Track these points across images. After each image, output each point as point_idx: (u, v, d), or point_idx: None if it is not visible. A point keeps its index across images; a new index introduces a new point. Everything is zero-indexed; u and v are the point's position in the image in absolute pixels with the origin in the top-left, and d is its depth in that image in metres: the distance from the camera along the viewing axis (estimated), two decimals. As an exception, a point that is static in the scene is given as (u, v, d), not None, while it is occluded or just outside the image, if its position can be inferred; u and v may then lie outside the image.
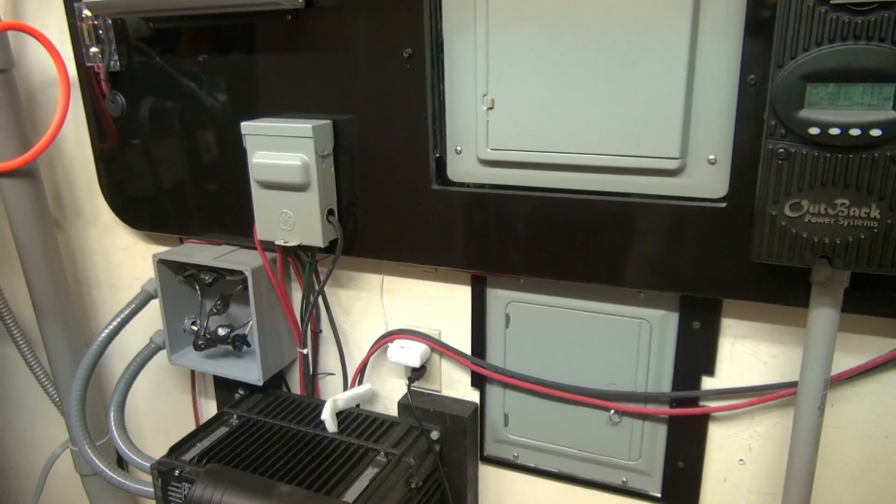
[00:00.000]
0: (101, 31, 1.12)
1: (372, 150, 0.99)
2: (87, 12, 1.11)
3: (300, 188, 0.99)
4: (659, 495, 1.01)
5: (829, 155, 0.68)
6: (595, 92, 0.84)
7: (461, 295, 1.06)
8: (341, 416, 1.10)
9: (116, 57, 1.13)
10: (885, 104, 0.65)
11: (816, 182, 0.69)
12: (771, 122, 0.69)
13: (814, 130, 0.67)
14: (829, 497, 0.92)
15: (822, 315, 0.77)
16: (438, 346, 1.09)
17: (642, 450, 1.00)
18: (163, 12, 1.04)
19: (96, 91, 1.17)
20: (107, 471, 1.23)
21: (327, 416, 1.06)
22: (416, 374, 1.09)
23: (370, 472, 0.98)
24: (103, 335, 1.21)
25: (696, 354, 0.93)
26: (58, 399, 1.42)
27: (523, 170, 0.93)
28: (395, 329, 1.12)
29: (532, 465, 1.09)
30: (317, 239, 1.01)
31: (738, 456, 0.95)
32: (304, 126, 0.96)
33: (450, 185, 0.98)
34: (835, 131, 0.66)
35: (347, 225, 1.04)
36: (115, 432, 1.22)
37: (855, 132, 0.66)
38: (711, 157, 0.83)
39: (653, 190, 0.87)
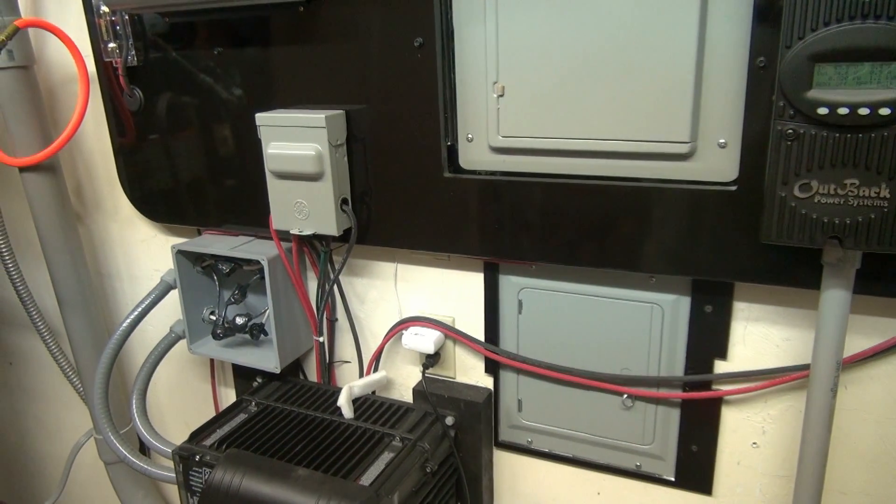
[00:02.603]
0: (118, 27, 1.14)
1: (384, 139, 1.00)
2: (104, 8, 1.13)
3: (314, 178, 1.00)
4: (672, 479, 1.01)
5: (837, 135, 0.68)
6: (605, 77, 0.85)
7: (474, 282, 1.07)
8: (357, 402, 1.12)
9: (133, 52, 1.15)
10: (893, 83, 0.64)
11: (826, 162, 0.69)
12: (779, 102, 0.69)
13: (822, 110, 0.67)
14: (843, 479, 0.92)
15: (834, 297, 0.77)
16: (452, 333, 1.10)
17: (655, 434, 1.00)
18: (178, 6, 1.05)
19: (114, 86, 1.20)
20: (130, 457, 1.26)
21: (343, 402, 1.08)
22: (431, 360, 1.11)
23: (386, 456, 1.00)
24: (124, 325, 1.24)
25: (708, 338, 0.93)
26: (82, 389, 1.45)
27: (534, 156, 0.94)
28: (409, 316, 1.14)
29: (546, 449, 1.10)
30: (331, 228, 1.03)
31: (751, 439, 0.95)
32: (318, 116, 0.97)
33: (461, 172, 0.99)
34: (843, 111, 0.66)
35: (361, 214, 1.06)
36: (137, 420, 1.25)
37: (864, 111, 0.66)
38: (722, 140, 0.83)
39: (664, 174, 0.87)
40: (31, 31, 1.21)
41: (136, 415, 1.25)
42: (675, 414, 0.98)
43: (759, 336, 0.91)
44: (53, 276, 1.32)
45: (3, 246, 1.30)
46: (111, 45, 1.15)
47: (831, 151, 0.69)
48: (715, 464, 0.98)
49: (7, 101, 1.18)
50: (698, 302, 0.92)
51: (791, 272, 0.82)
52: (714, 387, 0.95)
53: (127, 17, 1.13)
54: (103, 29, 1.15)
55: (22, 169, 1.22)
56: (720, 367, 0.94)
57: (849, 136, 0.68)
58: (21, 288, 1.35)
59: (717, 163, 0.84)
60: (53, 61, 1.31)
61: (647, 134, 0.85)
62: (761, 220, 0.76)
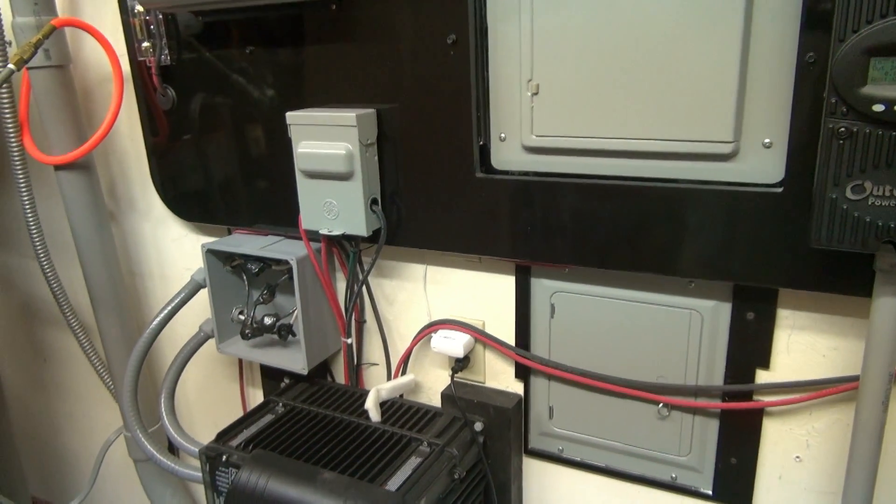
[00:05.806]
0: (152, 27, 1.15)
1: (415, 138, 0.99)
2: (139, 8, 1.14)
3: (344, 177, 0.99)
4: (710, 492, 0.98)
5: (894, 133, 0.64)
6: (643, 74, 0.82)
7: (505, 285, 1.05)
8: (385, 405, 1.10)
9: (167, 51, 1.16)
10: (957, 78, 0.61)
11: (881, 162, 0.66)
12: (831, 99, 0.66)
13: (878, 107, 0.64)
14: (892, 497, 0.87)
15: (887, 305, 0.74)
16: (482, 337, 1.08)
17: (692, 445, 0.97)
18: (211, 5, 1.05)
19: (148, 85, 1.20)
20: (158, 456, 1.26)
21: (371, 405, 1.06)
22: (460, 364, 1.09)
23: (413, 461, 0.98)
24: (155, 324, 1.24)
25: (749, 346, 0.89)
26: (112, 386, 1.46)
27: (569, 156, 0.91)
28: (438, 319, 1.12)
29: (577, 458, 1.07)
30: (360, 228, 1.01)
31: (794, 453, 0.91)
32: (348, 115, 0.96)
33: (494, 172, 0.97)
34: (901, 108, 0.63)
35: (391, 214, 1.04)
36: (165, 419, 1.25)
37: (924, 108, 0.62)
38: (767, 140, 0.79)
39: (704, 175, 0.84)
40: (67, 30, 1.22)
41: (164, 413, 1.25)
42: (713, 425, 0.95)
43: (804, 345, 0.87)
44: (87, 274, 1.33)
45: (38, 244, 1.31)
46: (145, 44, 1.16)
47: (887, 151, 0.65)
48: (755, 478, 0.94)
49: (43, 99, 1.20)
50: (740, 308, 0.89)
51: (840, 278, 0.78)
52: (755, 397, 0.91)
53: (161, 16, 1.14)
54: (137, 28, 1.16)
55: (57, 167, 1.23)
56: (762, 376, 0.90)
57: (906, 134, 0.64)
58: (55, 286, 1.37)
59: (762, 163, 0.80)
60: (89, 61, 1.32)
61: (687, 133, 0.82)
62: (809, 223, 0.72)
